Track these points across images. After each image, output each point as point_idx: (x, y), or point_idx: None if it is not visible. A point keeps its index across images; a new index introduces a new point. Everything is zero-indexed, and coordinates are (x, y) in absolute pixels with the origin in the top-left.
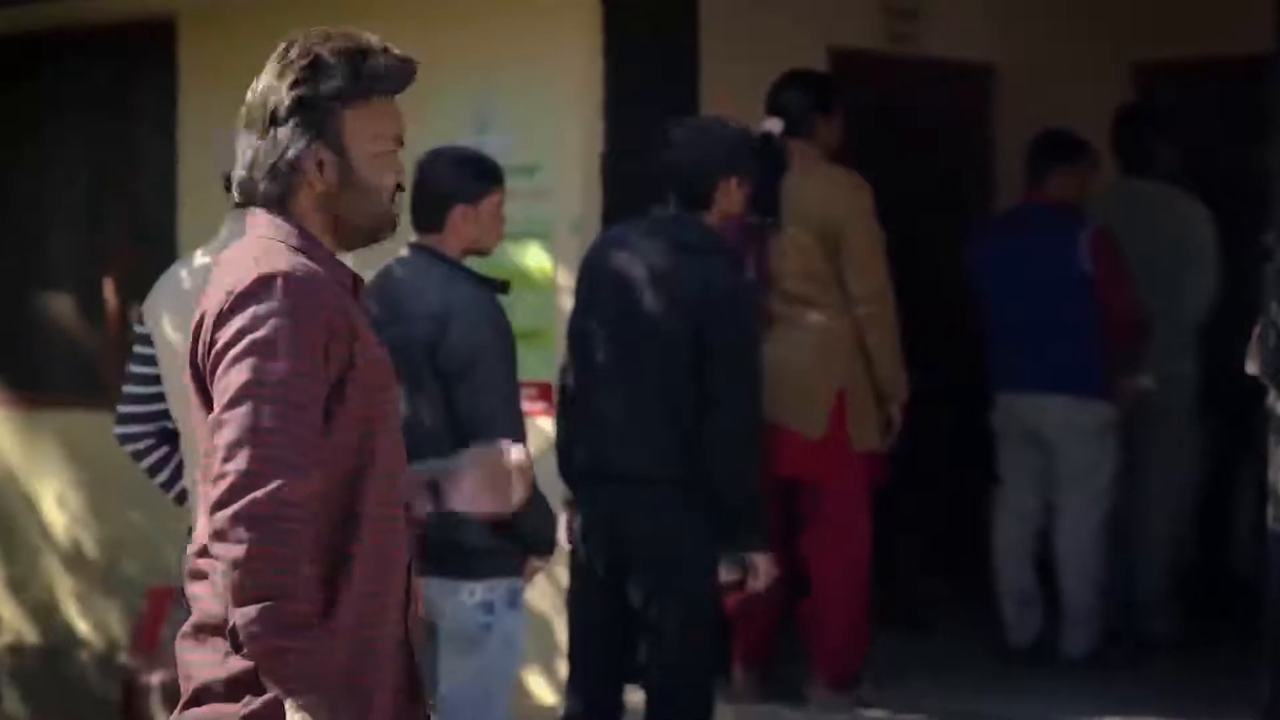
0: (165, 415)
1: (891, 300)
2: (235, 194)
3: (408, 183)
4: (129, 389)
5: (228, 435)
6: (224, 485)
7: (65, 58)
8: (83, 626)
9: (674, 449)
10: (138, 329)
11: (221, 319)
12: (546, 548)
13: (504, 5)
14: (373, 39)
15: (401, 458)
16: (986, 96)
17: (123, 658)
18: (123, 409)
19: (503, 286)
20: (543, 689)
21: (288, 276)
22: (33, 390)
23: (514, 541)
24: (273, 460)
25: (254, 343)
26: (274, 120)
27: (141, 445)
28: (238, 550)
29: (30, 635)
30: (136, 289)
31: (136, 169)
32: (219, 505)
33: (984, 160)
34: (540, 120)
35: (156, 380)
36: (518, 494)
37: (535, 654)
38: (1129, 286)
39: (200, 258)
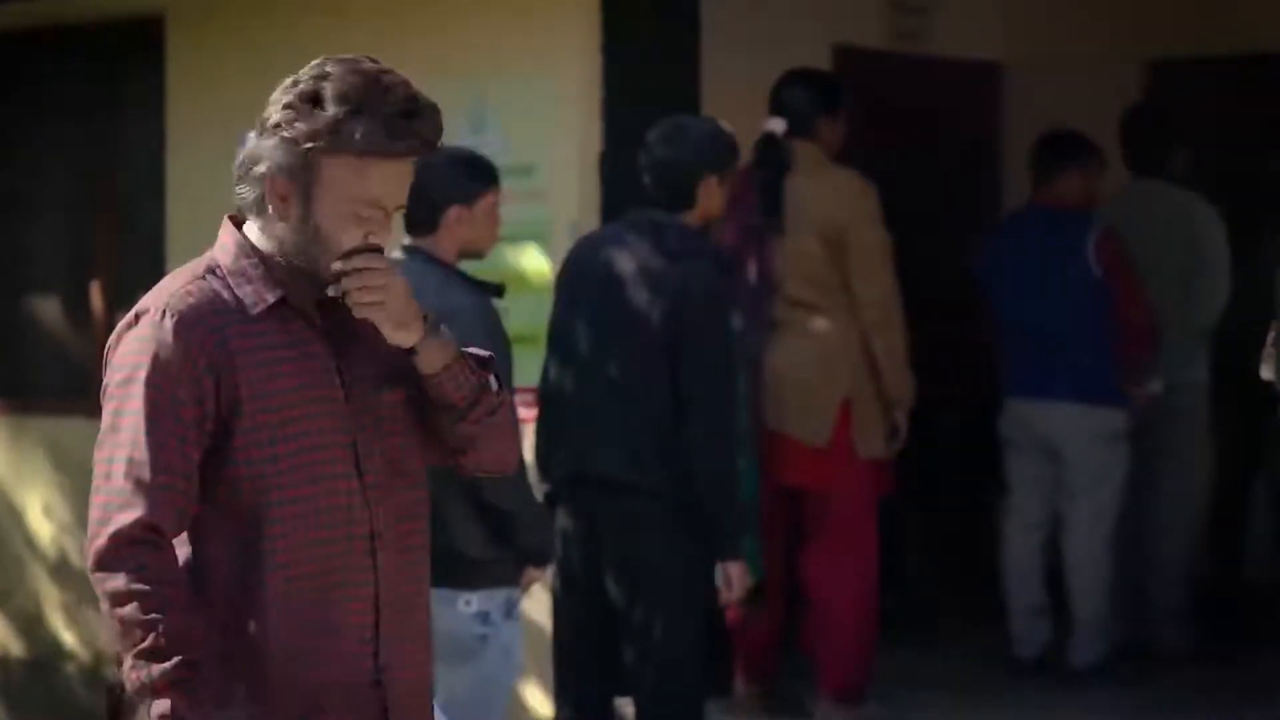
0: None
1: (898, 305)
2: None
3: None
4: None
5: (93, 480)
6: (88, 536)
7: (51, 56)
8: (69, 639)
9: (655, 454)
10: None
11: (112, 346)
12: (543, 557)
13: (500, 1)
14: (398, 92)
15: (341, 483)
16: (995, 96)
17: (110, 671)
18: None
19: (498, 290)
20: (539, 700)
21: (162, 312)
22: (18, 396)
23: (510, 551)
24: (117, 504)
25: (116, 385)
26: (262, 128)
27: None
28: (105, 605)
29: (16, 648)
30: (124, 292)
31: (124, 169)
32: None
33: (992, 161)
34: (537, 119)
35: None
36: None
37: (531, 665)
38: (1138, 290)
39: None
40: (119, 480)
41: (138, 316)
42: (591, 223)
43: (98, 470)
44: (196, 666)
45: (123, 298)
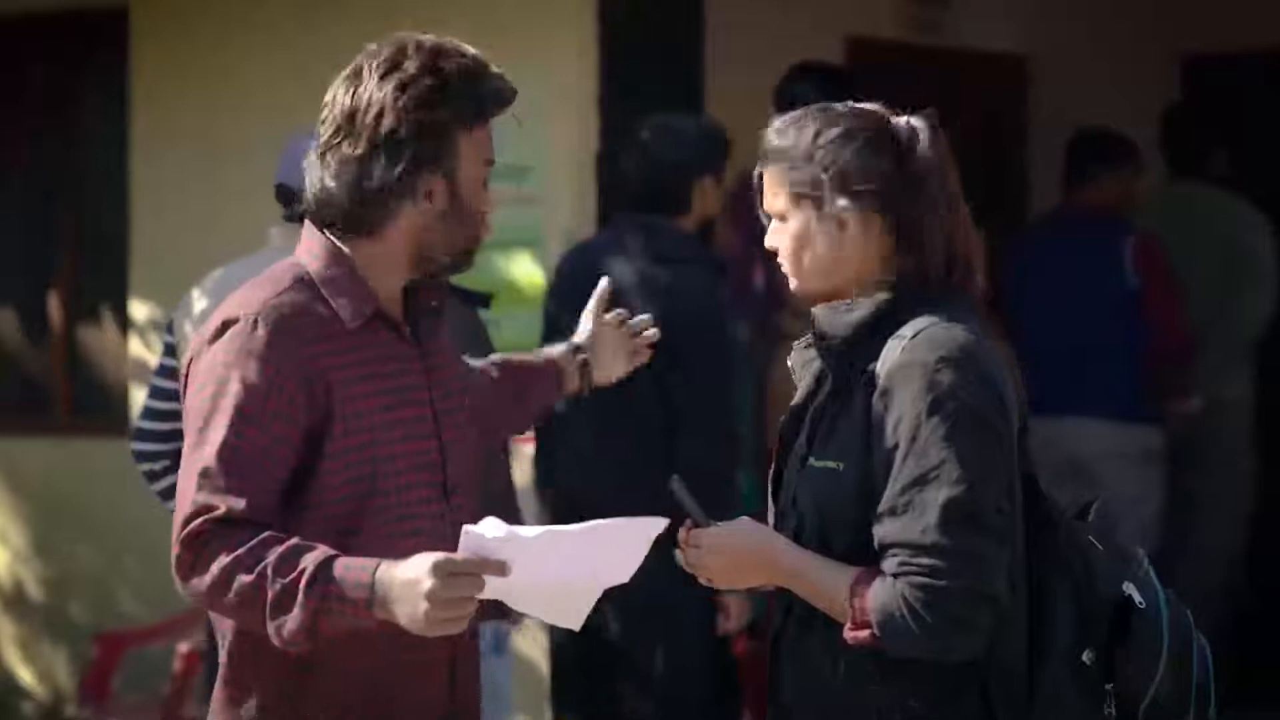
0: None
1: None
2: (312, 209)
3: None
4: (149, 403)
5: (181, 481)
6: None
7: (4, 51)
8: (26, 675)
9: (650, 473)
10: (166, 339)
11: (194, 359)
12: None
13: None
14: (479, 56)
15: (434, 506)
16: (1020, 91)
17: (70, 710)
18: (140, 424)
19: (484, 301)
20: None
21: (253, 323)
22: None
23: None
24: (191, 514)
25: (204, 400)
26: (386, 140)
27: (157, 466)
28: (211, 603)
29: None
30: (85, 303)
31: (84, 173)
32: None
33: (1017, 161)
34: (530, 119)
35: (179, 396)
36: None
37: (523, 702)
38: (1177, 299)
39: (216, 275)
40: (192, 493)
41: (224, 327)
42: (588, 229)
43: (180, 489)
44: (318, 578)
45: (82, 310)
